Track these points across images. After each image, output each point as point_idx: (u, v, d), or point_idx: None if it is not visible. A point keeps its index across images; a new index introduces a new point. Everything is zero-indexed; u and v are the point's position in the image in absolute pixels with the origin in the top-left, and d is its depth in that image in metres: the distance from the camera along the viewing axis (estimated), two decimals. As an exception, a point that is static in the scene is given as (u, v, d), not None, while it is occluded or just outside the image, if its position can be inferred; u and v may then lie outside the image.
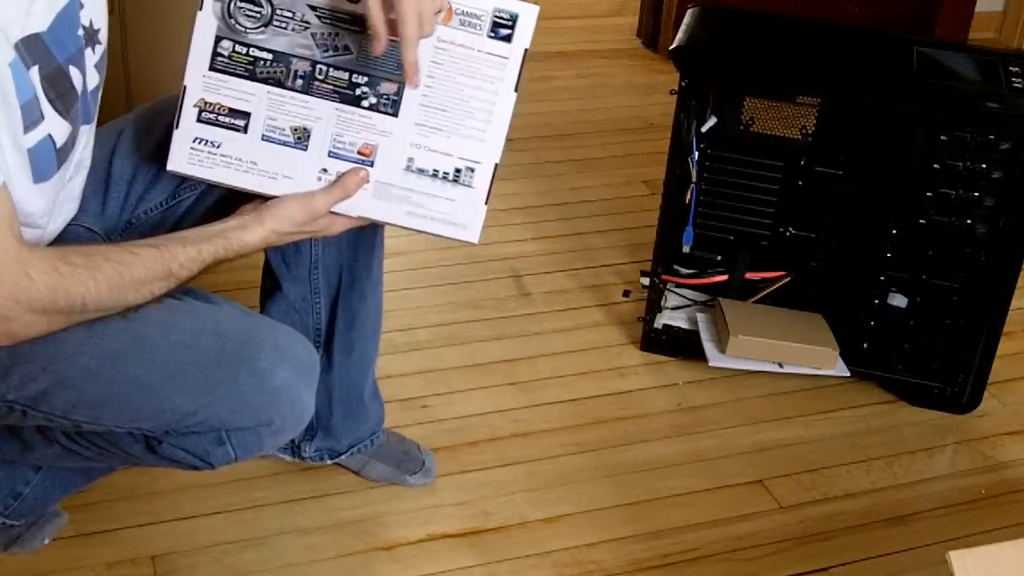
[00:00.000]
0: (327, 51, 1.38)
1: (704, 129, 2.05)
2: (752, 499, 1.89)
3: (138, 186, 1.54)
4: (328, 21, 1.36)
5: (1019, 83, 1.92)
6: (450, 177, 1.45)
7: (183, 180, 1.50)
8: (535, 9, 1.39)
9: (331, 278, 1.70)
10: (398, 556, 1.73)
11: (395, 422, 1.94)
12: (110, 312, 1.31)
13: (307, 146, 1.42)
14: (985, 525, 1.87)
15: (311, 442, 1.81)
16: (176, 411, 1.34)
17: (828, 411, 2.11)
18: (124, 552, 1.69)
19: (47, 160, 1.29)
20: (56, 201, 1.37)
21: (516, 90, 1.42)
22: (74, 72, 1.32)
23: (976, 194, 1.97)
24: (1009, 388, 2.19)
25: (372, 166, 1.43)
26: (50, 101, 1.27)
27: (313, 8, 1.35)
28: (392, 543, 1.76)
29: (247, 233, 1.38)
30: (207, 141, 1.41)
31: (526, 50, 1.41)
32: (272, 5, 1.35)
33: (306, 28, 1.36)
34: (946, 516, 1.89)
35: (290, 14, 1.35)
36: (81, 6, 1.31)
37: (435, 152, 1.44)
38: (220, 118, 1.40)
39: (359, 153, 1.43)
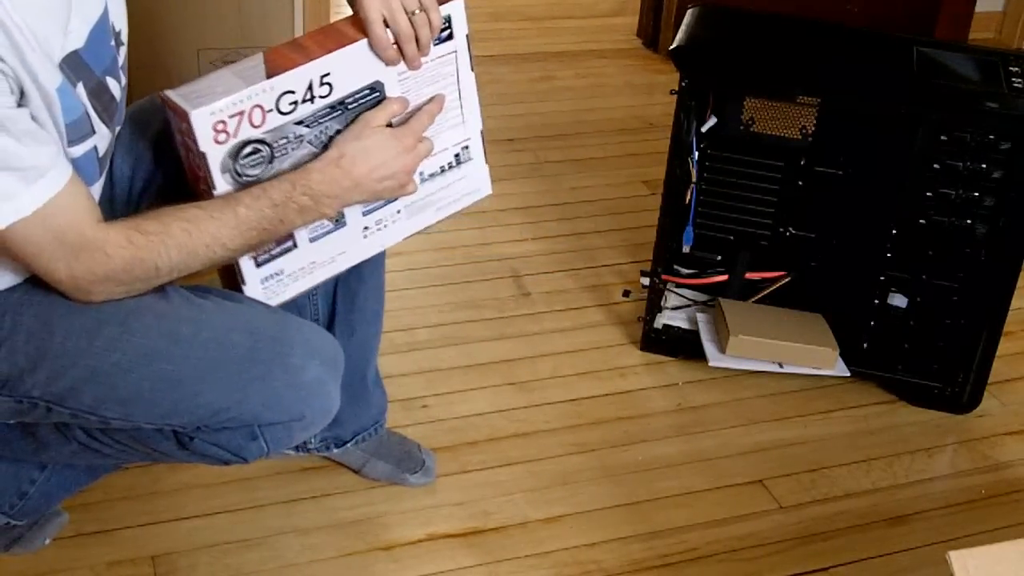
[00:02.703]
0: (324, 145, 1.41)
1: (704, 129, 2.05)
2: (752, 499, 1.89)
3: (138, 182, 1.55)
4: (315, 124, 1.40)
5: (1019, 83, 1.92)
6: (454, 164, 1.56)
7: (179, 169, 1.50)
8: (460, 2, 1.47)
9: None
10: (398, 556, 1.73)
11: (395, 422, 1.94)
12: (190, 270, 1.34)
13: (345, 222, 1.49)
14: (985, 525, 1.87)
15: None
16: (209, 407, 1.36)
17: (828, 411, 2.11)
18: (124, 552, 1.69)
19: (90, 169, 1.33)
20: None
21: (472, 70, 1.51)
22: (112, 83, 1.33)
23: (976, 194, 1.97)
24: (1009, 388, 2.19)
25: (397, 199, 1.51)
26: (97, 113, 1.31)
27: (300, 123, 1.38)
28: (392, 543, 1.76)
29: (305, 169, 1.38)
30: (271, 276, 1.46)
31: (467, 35, 1.49)
32: (268, 144, 1.37)
33: (301, 140, 1.39)
34: (946, 516, 1.89)
35: (285, 139, 1.38)
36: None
37: (435, 155, 1.52)
38: (272, 252, 1.44)
39: None
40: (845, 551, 1.80)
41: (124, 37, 1.40)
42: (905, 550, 1.82)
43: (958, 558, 1.18)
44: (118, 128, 1.40)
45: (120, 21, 1.38)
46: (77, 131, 1.28)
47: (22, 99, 1.20)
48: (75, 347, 1.33)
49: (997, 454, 2.03)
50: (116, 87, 1.35)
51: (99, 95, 1.31)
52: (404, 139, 1.42)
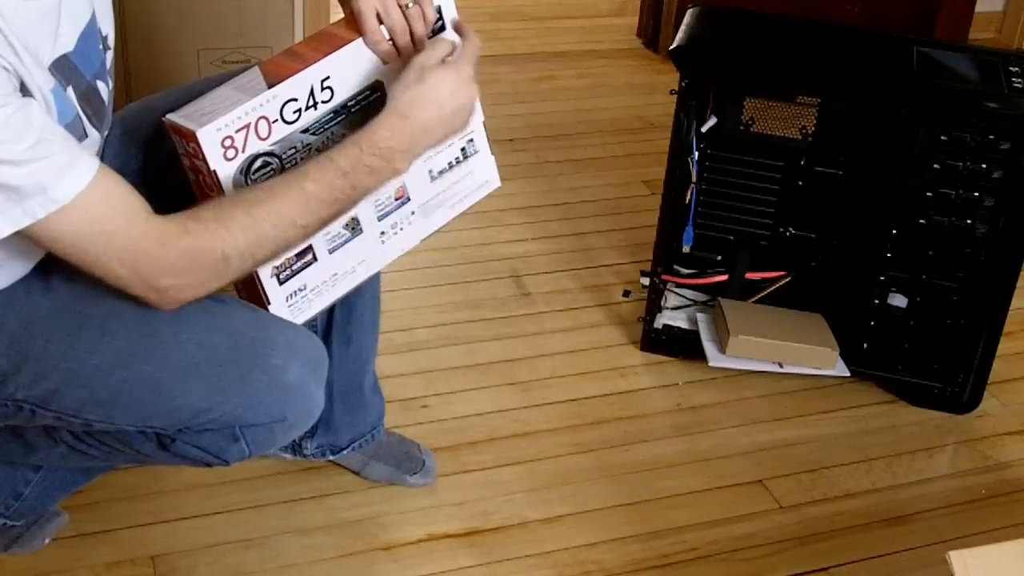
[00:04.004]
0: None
1: (704, 129, 2.05)
2: (752, 499, 1.90)
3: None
4: (321, 131, 1.39)
5: (1019, 83, 1.92)
6: (461, 159, 1.56)
7: (168, 171, 1.49)
8: None
9: None
10: (398, 556, 1.73)
11: (395, 422, 1.94)
12: (265, 256, 1.31)
13: (361, 229, 1.48)
14: (985, 525, 1.87)
15: (312, 439, 1.81)
16: (190, 409, 1.35)
17: (828, 411, 2.11)
18: (124, 552, 1.70)
19: None
20: None
21: None
22: (101, 86, 1.33)
23: (976, 194, 1.97)
24: (1009, 388, 2.19)
25: (409, 200, 1.51)
26: (87, 117, 1.29)
27: (306, 131, 1.37)
28: (392, 543, 1.76)
29: (369, 127, 1.32)
30: (295, 292, 1.45)
31: (455, 21, 1.49)
32: (277, 156, 1.36)
33: (309, 149, 1.38)
34: (946, 516, 1.89)
35: (293, 149, 1.37)
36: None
37: (441, 151, 1.52)
38: (293, 268, 1.43)
39: (396, 199, 1.51)
40: (845, 551, 1.80)
41: (111, 42, 1.38)
42: (905, 550, 1.82)
43: (958, 558, 1.18)
44: (106, 132, 1.39)
45: (107, 25, 1.37)
46: (72, 134, 1.26)
47: (26, 96, 1.20)
48: (56, 350, 1.32)
49: (997, 454, 2.03)
50: (105, 91, 1.34)
51: (89, 99, 1.30)
52: (463, 69, 1.36)
